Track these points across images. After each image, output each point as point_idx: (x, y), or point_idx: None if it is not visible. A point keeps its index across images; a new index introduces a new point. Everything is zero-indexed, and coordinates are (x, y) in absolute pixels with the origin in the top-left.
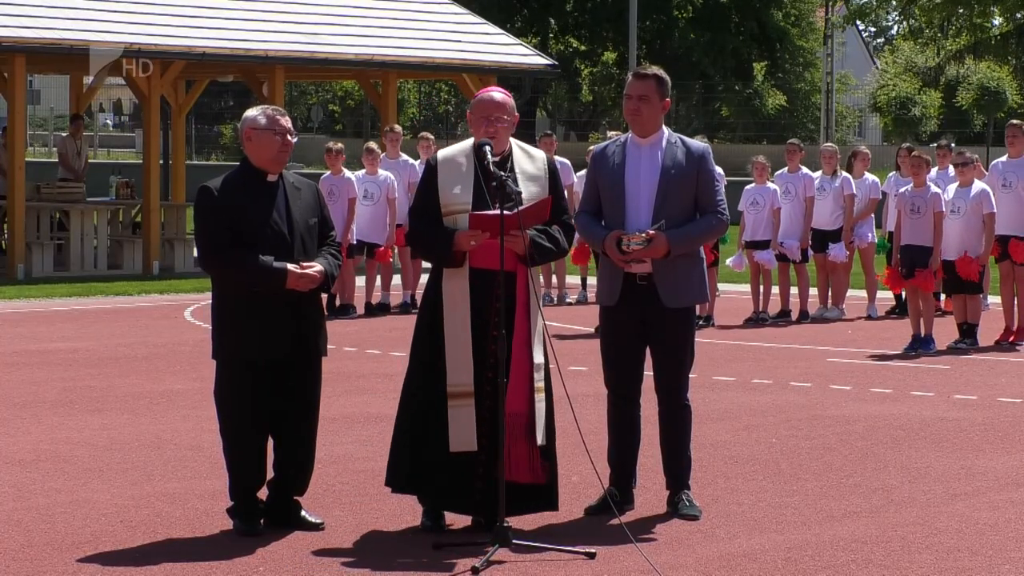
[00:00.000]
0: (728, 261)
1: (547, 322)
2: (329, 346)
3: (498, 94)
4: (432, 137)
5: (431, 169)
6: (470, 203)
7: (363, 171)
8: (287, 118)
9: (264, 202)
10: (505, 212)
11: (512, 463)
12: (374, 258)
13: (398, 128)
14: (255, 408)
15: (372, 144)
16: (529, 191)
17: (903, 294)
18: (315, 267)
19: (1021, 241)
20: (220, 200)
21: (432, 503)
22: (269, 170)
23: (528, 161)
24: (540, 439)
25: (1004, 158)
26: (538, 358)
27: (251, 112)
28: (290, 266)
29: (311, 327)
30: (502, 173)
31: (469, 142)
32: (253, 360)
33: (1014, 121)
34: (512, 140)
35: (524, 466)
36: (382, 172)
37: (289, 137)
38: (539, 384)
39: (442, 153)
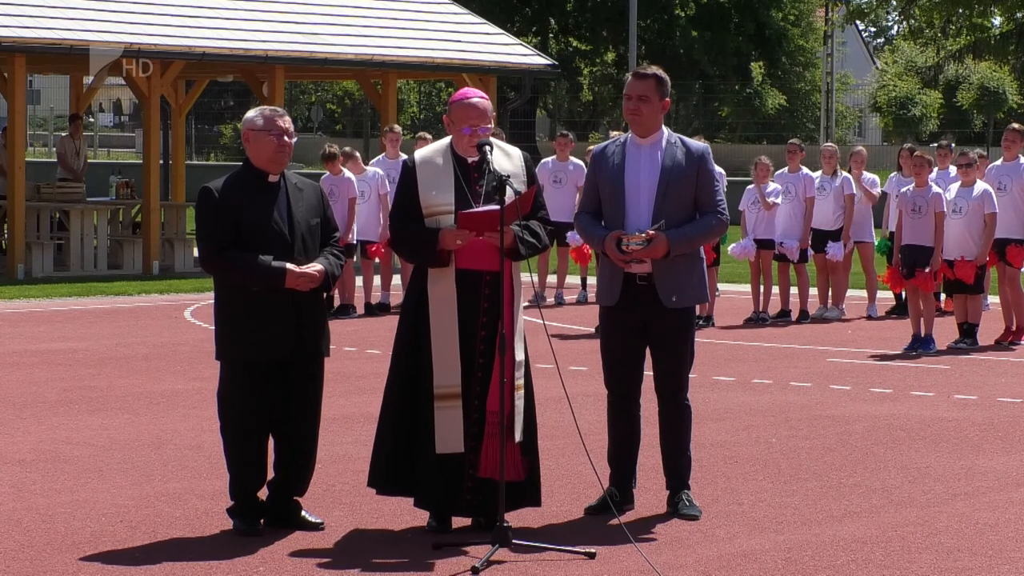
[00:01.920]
0: (731, 249)
1: (547, 322)
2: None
3: (479, 100)
4: (431, 137)
5: (409, 171)
6: (452, 204)
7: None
8: (285, 119)
9: (265, 202)
10: (497, 207)
11: (491, 460)
12: (367, 256)
13: (398, 128)
14: (257, 408)
15: (347, 148)
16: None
17: (903, 294)
18: (315, 266)
19: (1018, 245)
20: (221, 201)
21: (424, 504)
22: (268, 171)
23: (506, 159)
24: (518, 436)
25: (999, 162)
26: (518, 355)
27: (250, 113)
28: (289, 265)
29: (313, 328)
30: (504, 174)
31: (445, 142)
32: (254, 361)
33: (1014, 125)
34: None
35: (494, 464)
36: (370, 169)
37: (286, 138)
38: (519, 382)
39: (419, 154)
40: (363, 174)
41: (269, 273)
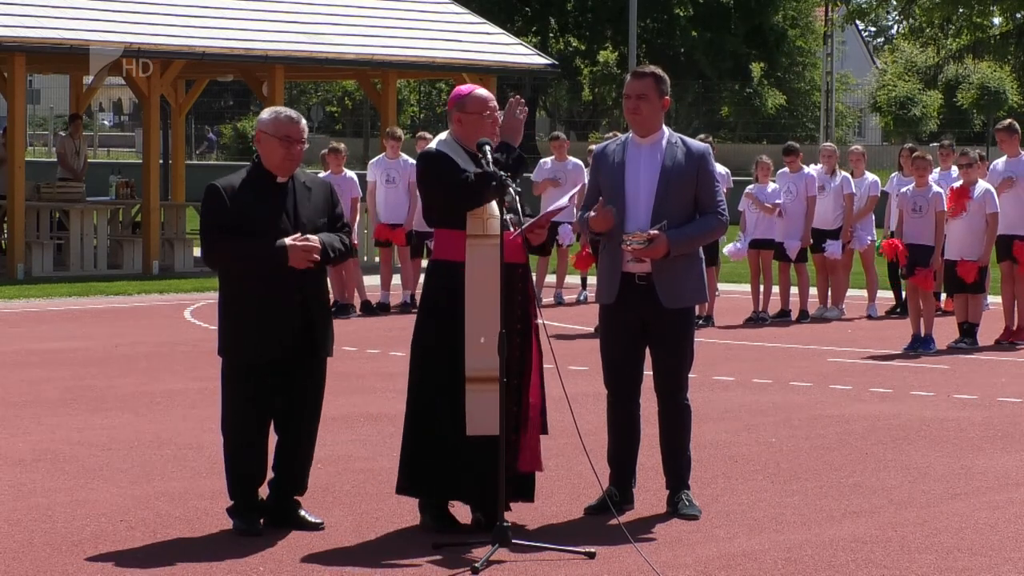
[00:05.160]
0: (726, 249)
1: (547, 322)
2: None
3: (482, 90)
4: (431, 136)
5: (441, 153)
6: None
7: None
8: (299, 125)
9: (271, 202)
10: (515, 231)
11: (529, 452)
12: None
13: (399, 132)
14: (258, 407)
15: (334, 145)
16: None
17: (903, 294)
18: (311, 236)
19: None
20: (227, 199)
21: (427, 494)
22: (277, 174)
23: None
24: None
25: (1003, 159)
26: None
27: (265, 114)
28: (287, 240)
29: (317, 328)
30: (502, 173)
31: (444, 138)
32: (256, 361)
33: (1001, 125)
34: None
35: (536, 456)
36: (348, 172)
37: (297, 147)
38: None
39: (438, 146)
40: (340, 174)
41: (273, 252)
